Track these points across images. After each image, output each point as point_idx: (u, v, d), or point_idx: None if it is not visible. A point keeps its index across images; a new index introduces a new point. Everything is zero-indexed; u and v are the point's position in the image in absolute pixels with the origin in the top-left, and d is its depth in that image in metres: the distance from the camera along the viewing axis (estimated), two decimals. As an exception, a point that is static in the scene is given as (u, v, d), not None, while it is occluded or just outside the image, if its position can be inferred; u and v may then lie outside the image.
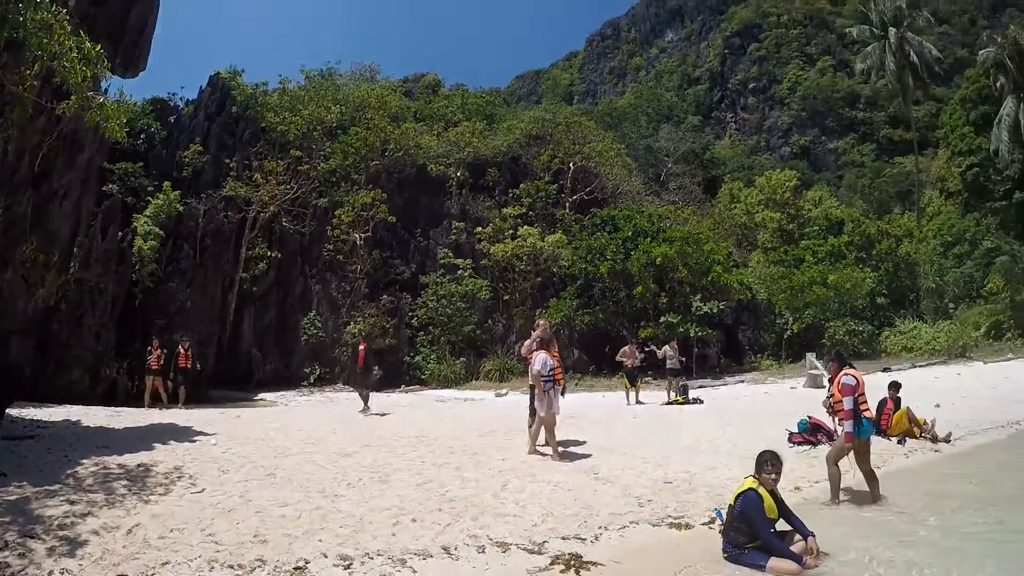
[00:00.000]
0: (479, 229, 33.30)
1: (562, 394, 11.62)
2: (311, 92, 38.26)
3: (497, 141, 39.69)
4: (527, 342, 12.37)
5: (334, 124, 36.21)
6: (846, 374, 9.07)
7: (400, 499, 8.60)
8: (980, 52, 47.31)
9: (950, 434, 13.27)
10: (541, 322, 12.64)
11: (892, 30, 53.17)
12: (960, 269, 40.49)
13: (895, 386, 13.72)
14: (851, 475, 10.29)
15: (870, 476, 9.09)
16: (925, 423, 13.30)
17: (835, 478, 9.00)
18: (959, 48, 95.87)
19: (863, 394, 8.96)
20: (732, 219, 52.74)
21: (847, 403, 8.80)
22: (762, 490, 6.81)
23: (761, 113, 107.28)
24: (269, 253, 29.97)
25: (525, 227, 33.11)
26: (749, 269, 39.99)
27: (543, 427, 11.23)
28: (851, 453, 9.08)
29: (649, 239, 30.93)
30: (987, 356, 30.05)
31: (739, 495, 6.89)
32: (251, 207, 30.22)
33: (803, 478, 9.98)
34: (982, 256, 40.03)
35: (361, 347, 19.89)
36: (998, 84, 42.91)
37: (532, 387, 12.07)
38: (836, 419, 9.93)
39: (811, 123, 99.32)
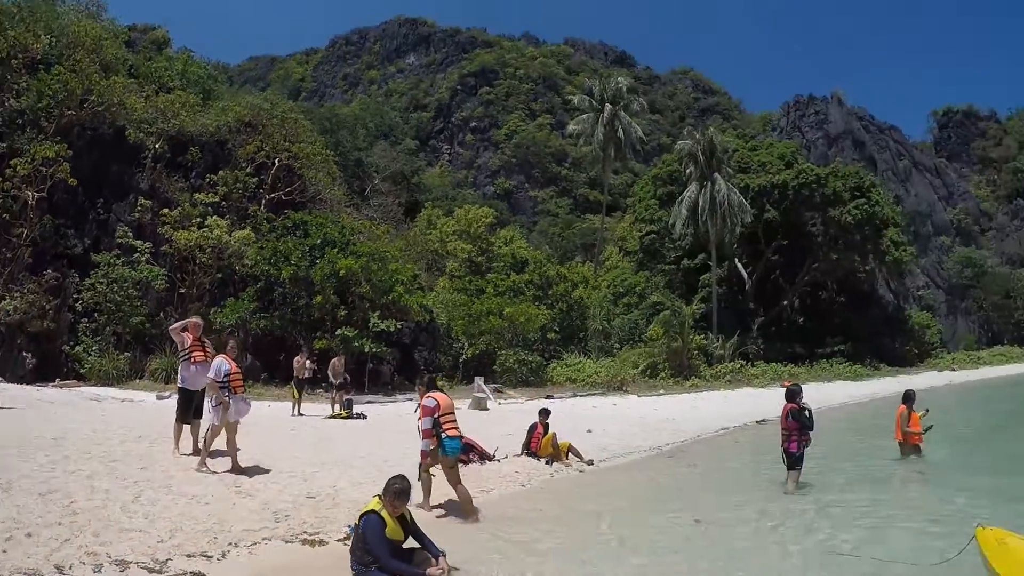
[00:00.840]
0: (166, 211, 30.28)
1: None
2: (24, 12, 33.01)
3: (207, 119, 36.57)
4: (176, 324, 12.00)
5: (39, 56, 31.33)
6: (428, 396, 9.66)
7: (18, 510, 7.82)
8: (679, 142, 53.90)
9: (592, 460, 14.57)
10: (195, 319, 12.26)
11: (608, 107, 59.76)
12: (627, 316, 45.72)
13: (545, 412, 14.73)
14: (494, 493, 11.14)
15: (428, 482, 9.74)
16: (571, 447, 14.47)
17: (465, 495, 9.54)
18: (664, 136, 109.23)
19: (448, 415, 9.56)
20: (426, 244, 54.61)
21: (424, 423, 9.42)
22: (385, 513, 6.82)
23: (475, 151, 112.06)
24: (-75, 199, 24.88)
25: (214, 217, 30.95)
26: (433, 293, 41.58)
27: (213, 436, 10.75)
28: (448, 470, 9.56)
29: (337, 250, 30.67)
30: (642, 391, 33.87)
31: (363, 515, 6.88)
32: (-85, 138, 24.85)
33: (446, 496, 10.11)
34: (648, 308, 45.31)
35: None
36: (687, 171, 49.11)
37: (182, 389, 11.59)
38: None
39: (519, 170, 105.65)
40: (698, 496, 11.67)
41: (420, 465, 9.65)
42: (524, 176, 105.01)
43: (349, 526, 7.99)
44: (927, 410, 14.50)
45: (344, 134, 69.21)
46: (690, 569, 7.68)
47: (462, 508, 9.55)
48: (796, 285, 54.14)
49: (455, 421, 9.68)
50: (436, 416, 9.45)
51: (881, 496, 11.51)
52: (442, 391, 10.20)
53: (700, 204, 46.16)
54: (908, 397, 14.20)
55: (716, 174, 46.77)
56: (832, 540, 8.63)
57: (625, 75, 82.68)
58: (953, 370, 54.42)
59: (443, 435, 9.42)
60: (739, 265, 54.23)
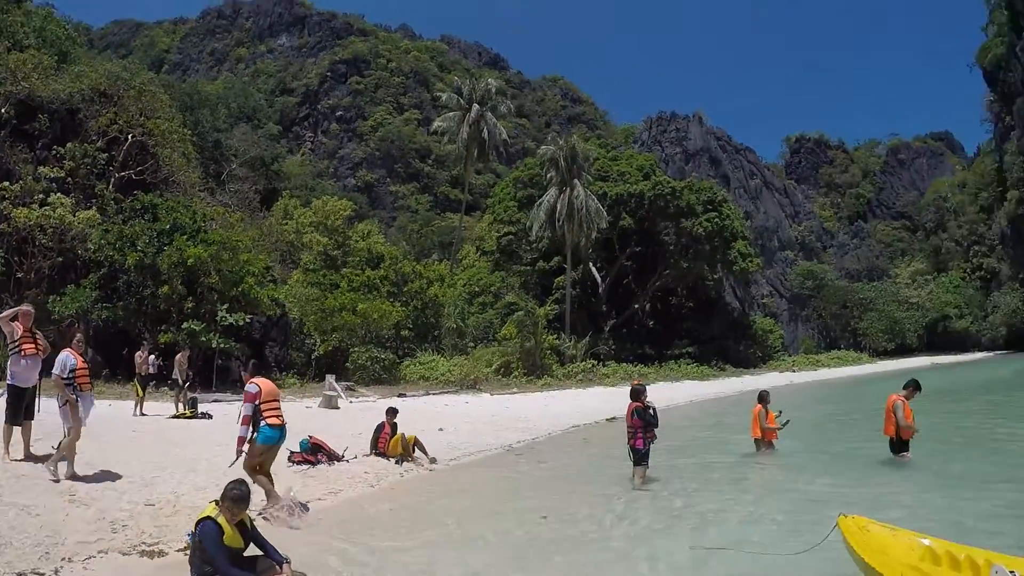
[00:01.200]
0: (6, 184, 28.07)
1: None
2: None
3: (60, 85, 33.89)
4: (6, 313, 11.00)
5: None
6: (250, 382, 9.39)
7: None
8: (542, 147, 55.03)
9: (435, 458, 14.57)
10: (25, 306, 11.29)
11: (476, 107, 60.46)
12: (482, 315, 46.62)
13: (392, 412, 14.88)
14: (343, 494, 11.07)
15: (265, 483, 9.45)
16: (417, 440, 14.48)
17: (265, 484, 9.38)
18: (529, 140, 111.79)
19: (270, 402, 9.35)
20: (281, 235, 53.27)
21: (245, 409, 9.20)
22: (222, 519, 6.45)
23: (339, 141, 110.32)
24: None
25: (58, 195, 28.95)
26: (286, 287, 40.74)
27: (73, 440, 9.95)
28: (257, 458, 9.36)
29: (187, 237, 29.41)
30: (495, 389, 34.51)
31: (199, 522, 6.51)
32: None
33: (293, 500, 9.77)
34: (502, 308, 46.52)
35: None
36: (548, 176, 50.40)
37: (11, 386, 10.64)
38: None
39: (381, 163, 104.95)
40: (547, 493, 11.86)
41: (256, 459, 9.39)
42: (386, 170, 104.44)
43: (189, 534, 7.66)
44: (780, 411, 15.36)
45: (204, 113, 66.45)
46: (541, 566, 7.74)
47: (270, 499, 9.41)
48: (647, 290, 56.82)
49: (279, 409, 9.50)
50: (257, 403, 9.24)
51: (739, 490, 11.89)
52: (268, 378, 9.97)
53: (559, 208, 47.58)
54: (763, 397, 15.17)
55: (576, 180, 48.30)
56: (690, 533, 8.83)
57: (496, 77, 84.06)
58: (794, 371, 58.65)
59: (262, 422, 9.26)
60: (593, 269, 56.30)
